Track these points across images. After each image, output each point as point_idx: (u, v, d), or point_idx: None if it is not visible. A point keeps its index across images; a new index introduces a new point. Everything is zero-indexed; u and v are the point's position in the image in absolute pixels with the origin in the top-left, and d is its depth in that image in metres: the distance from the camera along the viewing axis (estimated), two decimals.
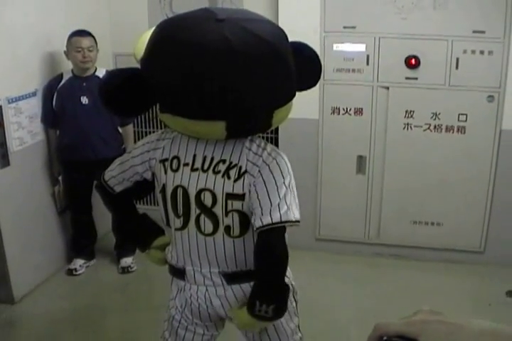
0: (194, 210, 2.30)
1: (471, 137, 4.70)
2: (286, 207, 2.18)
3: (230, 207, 2.24)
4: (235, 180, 2.21)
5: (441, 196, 4.89)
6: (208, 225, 2.30)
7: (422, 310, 0.94)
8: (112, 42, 5.25)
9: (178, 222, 2.36)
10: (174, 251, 2.44)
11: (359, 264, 4.99)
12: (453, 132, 4.72)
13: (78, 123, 4.52)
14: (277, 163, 2.21)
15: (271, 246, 2.24)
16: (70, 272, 4.77)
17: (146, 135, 5.61)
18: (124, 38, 5.30)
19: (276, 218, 2.16)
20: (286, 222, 2.18)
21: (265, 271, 2.26)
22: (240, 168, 2.21)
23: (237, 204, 2.23)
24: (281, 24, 4.44)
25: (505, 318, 4.13)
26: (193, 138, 2.28)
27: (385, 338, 0.90)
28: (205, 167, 2.26)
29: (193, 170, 2.28)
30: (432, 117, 4.72)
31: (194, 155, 2.29)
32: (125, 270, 4.84)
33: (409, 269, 4.89)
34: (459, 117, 4.68)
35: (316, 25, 4.63)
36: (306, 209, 5.06)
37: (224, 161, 2.23)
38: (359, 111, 4.81)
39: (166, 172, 2.33)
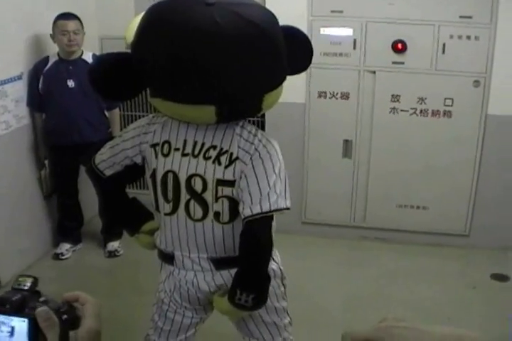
0: (184, 195, 2.30)
1: (457, 121, 4.72)
2: (276, 196, 2.18)
3: (220, 193, 2.24)
4: (226, 167, 2.21)
5: (426, 180, 4.92)
6: (197, 211, 2.30)
7: (387, 318, 1.02)
8: (98, 26, 5.20)
9: (167, 207, 2.36)
10: (163, 236, 2.44)
11: (345, 248, 5.02)
12: (439, 116, 4.74)
13: (64, 106, 4.49)
14: (268, 151, 2.21)
15: (256, 236, 2.24)
16: (57, 256, 4.77)
17: (133, 119, 5.60)
18: (111, 21, 5.29)
19: (265, 207, 2.16)
20: (275, 210, 2.19)
21: (248, 260, 2.26)
22: (231, 154, 2.20)
23: (227, 191, 2.23)
24: (268, 7, 4.44)
25: (490, 301, 4.19)
26: (183, 123, 2.27)
27: None
28: (196, 152, 2.26)
29: (183, 155, 2.28)
30: (418, 102, 4.73)
31: (185, 140, 2.28)
32: (112, 254, 4.84)
33: (394, 252, 4.93)
34: (445, 102, 4.70)
35: (304, 9, 4.61)
36: (293, 193, 5.02)
37: (215, 147, 2.23)
38: (345, 96, 4.81)
39: (156, 157, 2.32)
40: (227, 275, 2.37)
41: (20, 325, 1.01)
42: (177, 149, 2.29)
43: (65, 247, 4.82)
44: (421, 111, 4.75)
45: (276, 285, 2.46)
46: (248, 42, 2.03)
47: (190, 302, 2.51)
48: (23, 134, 4.57)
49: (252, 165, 2.18)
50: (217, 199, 2.25)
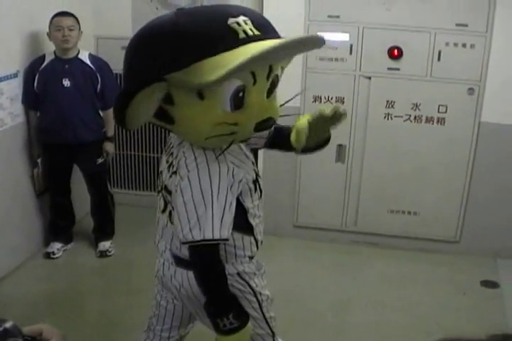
0: (158, 186, 2.36)
1: (450, 128, 4.74)
2: (188, 228, 2.08)
3: (166, 197, 2.27)
4: (169, 176, 2.21)
5: (418, 186, 4.94)
6: (161, 202, 2.33)
7: None
8: (93, 25, 5.20)
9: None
10: None
11: (336, 252, 5.03)
12: (433, 123, 4.76)
13: (59, 105, 4.48)
14: (194, 176, 2.09)
15: (192, 263, 2.22)
16: (48, 255, 4.75)
17: None
18: (107, 20, 5.29)
19: (181, 238, 2.12)
20: (190, 242, 2.10)
21: (202, 289, 2.22)
22: (173, 166, 2.19)
23: (168, 197, 2.24)
24: (265, 12, 4.46)
25: (480, 307, 4.21)
26: None
27: None
28: (167, 152, 2.32)
29: (165, 150, 2.35)
30: (412, 108, 4.75)
31: (170, 137, 2.35)
32: (103, 254, 4.84)
33: (385, 257, 4.94)
34: (439, 108, 4.72)
35: (301, 14, 4.62)
36: (285, 197, 5.12)
37: (172, 154, 2.25)
38: (340, 100, 4.82)
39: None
40: (184, 276, 2.34)
41: None
42: (170, 146, 2.34)
43: (56, 246, 4.81)
44: (415, 117, 4.77)
45: (240, 294, 2.43)
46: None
47: (164, 287, 2.51)
48: (17, 132, 4.56)
49: (181, 187, 2.10)
50: (167, 201, 2.28)
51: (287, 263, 4.71)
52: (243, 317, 2.24)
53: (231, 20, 1.89)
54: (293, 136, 2.30)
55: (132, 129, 2.19)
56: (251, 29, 1.91)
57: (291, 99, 2.23)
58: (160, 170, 2.35)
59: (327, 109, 2.24)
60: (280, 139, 2.38)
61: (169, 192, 2.21)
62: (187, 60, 1.84)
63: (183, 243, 2.14)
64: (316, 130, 2.30)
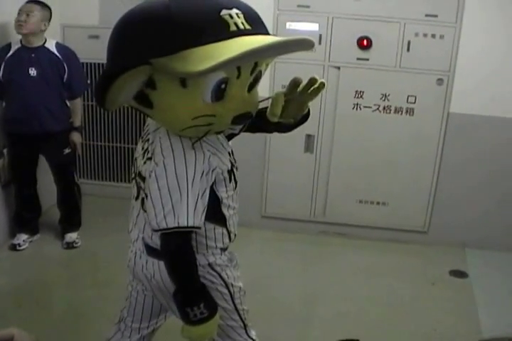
0: (132, 173, 2.32)
1: (419, 119, 4.76)
2: (162, 214, 2.05)
3: (139, 184, 2.23)
4: (144, 163, 2.18)
5: (387, 176, 4.96)
6: (134, 190, 2.30)
7: None
8: (60, 14, 5.11)
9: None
10: None
11: (304, 242, 5.04)
12: (401, 113, 4.77)
13: (25, 94, 4.40)
14: (169, 162, 2.06)
15: (162, 251, 2.18)
16: (14, 247, 4.68)
17: (95, 109, 5.54)
18: (73, 9, 5.22)
19: (153, 225, 2.08)
20: (163, 229, 2.06)
21: (172, 278, 2.19)
22: (149, 152, 2.16)
23: (142, 184, 2.21)
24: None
25: (448, 297, 4.24)
26: None
27: None
28: (143, 138, 2.28)
29: (142, 139, 2.30)
30: (381, 98, 4.76)
31: (147, 124, 2.30)
32: (70, 245, 4.78)
33: (354, 248, 4.96)
34: (408, 99, 4.73)
35: (270, 3, 4.59)
36: (253, 187, 5.10)
37: (148, 140, 2.21)
38: None
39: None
40: (156, 266, 2.32)
41: None
42: (146, 131, 2.30)
43: (22, 238, 4.74)
44: (384, 107, 4.78)
45: (212, 285, 2.41)
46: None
47: (135, 277, 2.48)
48: None
49: (154, 174, 2.06)
50: (139, 187, 2.24)
51: (255, 254, 4.69)
52: (213, 308, 2.21)
53: (224, 12, 1.86)
54: (269, 110, 2.26)
55: (111, 110, 2.17)
56: (242, 23, 1.87)
57: (269, 98, 2.19)
58: (135, 156, 2.30)
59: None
60: (258, 120, 2.34)
61: (143, 179, 2.18)
62: (175, 46, 1.81)
63: (156, 230, 2.10)
64: (293, 103, 2.26)
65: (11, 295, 4.09)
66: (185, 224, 2.05)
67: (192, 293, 2.19)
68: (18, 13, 4.29)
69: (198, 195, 2.07)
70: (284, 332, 3.77)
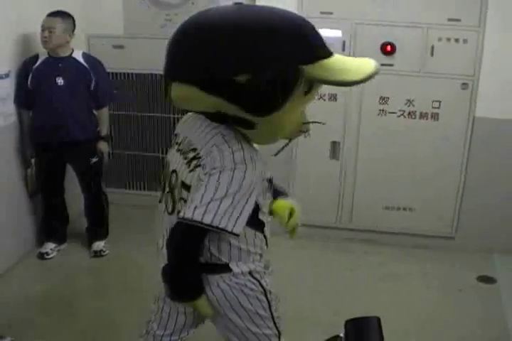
0: (167, 187, 2.31)
1: (444, 124, 4.73)
2: (204, 208, 2.04)
3: (181, 195, 2.22)
4: (190, 171, 2.17)
5: (413, 182, 4.93)
6: (169, 204, 2.29)
7: None
8: (85, 24, 5.16)
9: (160, 194, 2.37)
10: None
11: (331, 249, 5.02)
12: (427, 119, 4.75)
13: (52, 104, 4.45)
14: (234, 170, 2.04)
15: (172, 238, 2.19)
16: (42, 256, 4.72)
17: (122, 118, 5.58)
18: (98, 19, 5.26)
19: (188, 214, 2.05)
20: (194, 221, 2.04)
21: (168, 259, 2.20)
22: (198, 160, 2.13)
23: (184, 194, 2.19)
24: None
25: (476, 303, 4.20)
26: (192, 119, 2.30)
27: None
28: (183, 150, 2.26)
29: (177, 149, 2.29)
30: (406, 104, 4.74)
31: (185, 137, 2.27)
32: (97, 254, 4.80)
33: (380, 254, 4.93)
34: (432, 104, 4.71)
35: (293, 10, 4.58)
36: None
37: (194, 150, 2.19)
38: (333, 97, 4.82)
39: (171, 145, 2.38)
40: None
41: None
42: (177, 143, 2.31)
43: (49, 246, 4.78)
44: (409, 113, 4.76)
45: (252, 293, 2.41)
46: None
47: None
48: (10, 132, 4.53)
49: (209, 177, 2.05)
50: (179, 199, 2.23)
51: (281, 261, 4.65)
52: (173, 295, 2.30)
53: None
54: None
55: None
56: None
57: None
58: (171, 169, 2.29)
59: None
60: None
61: (188, 188, 2.17)
62: (313, 56, 1.91)
63: (191, 220, 2.05)
64: None
65: (39, 304, 4.12)
66: (231, 230, 2.06)
67: (179, 289, 2.27)
68: (42, 30, 4.34)
69: (247, 203, 2.08)
70: (311, 339, 3.75)
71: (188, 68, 1.97)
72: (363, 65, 1.98)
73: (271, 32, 1.90)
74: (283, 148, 2.26)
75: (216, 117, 2.09)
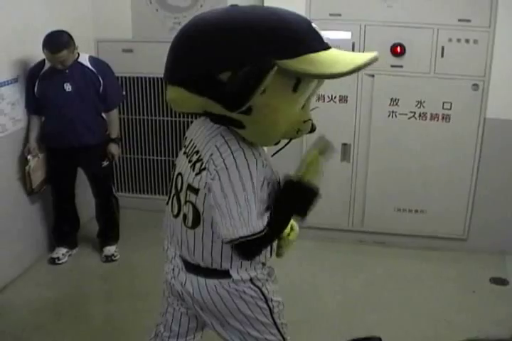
0: (173, 190, 2.31)
1: (455, 125, 4.71)
2: (229, 224, 2.04)
3: (187, 197, 2.21)
4: (196, 174, 2.16)
5: (425, 183, 4.91)
6: (175, 207, 2.29)
7: None
8: (93, 28, 5.17)
9: (168, 197, 2.38)
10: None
11: (343, 251, 5.00)
12: (437, 120, 4.73)
13: (61, 109, 4.45)
14: (238, 169, 2.05)
15: (243, 259, 2.22)
16: (53, 261, 4.72)
17: (132, 122, 5.58)
18: (106, 23, 5.27)
19: (225, 237, 2.07)
20: (233, 239, 2.06)
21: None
22: (202, 163, 2.13)
23: (192, 197, 2.18)
24: None
25: (489, 305, 4.18)
26: (199, 122, 2.31)
27: None
28: (188, 152, 2.26)
29: (184, 152, 2.30)
30: (416, 105, 4.72)
31: (191, 139, 2.28)
32: (108, 258, 4.81)
33: (392, 256, 4.91)
34: (443, 105, 4.68)
35: (302, 12, 4.57)
36: None
37: (197, 152, 2.19)
38: (344, 99, 4.80)
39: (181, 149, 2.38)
40: (195, 283, 2.31)
41: None
42: (185, 146, 2.32)
43: (61, 251, 4.78)
44: (419, 114, 4.74)
45: (251, 300, 2.40)
46: None
47: (172, 294, 2.47)
48: (19, 137, 4.53)
49: (220, 182, 2.05)
50: (185, 202, 2.23)
51: (292, 264, 4.67)
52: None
53: (313, 25, 1.98)
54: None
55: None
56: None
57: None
58: (177, 172, 2.30)
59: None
60: None
61: (195, 191, 2.16)
62: (298, 50, 1.88)
63: (228, 242, 2.08)
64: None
65: (50, 308, 4.13)
66: (260, 229, 2.06)
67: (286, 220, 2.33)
68: (51, 62, 4.34)
69: (262, 201, 2.10)
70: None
71: (175, 70, 2.02)
72: (358, 57, 1.93)
73: (247, 30, 1.90)
74: (281, 148, 2.25)
75: (216, 119, 2.10)
